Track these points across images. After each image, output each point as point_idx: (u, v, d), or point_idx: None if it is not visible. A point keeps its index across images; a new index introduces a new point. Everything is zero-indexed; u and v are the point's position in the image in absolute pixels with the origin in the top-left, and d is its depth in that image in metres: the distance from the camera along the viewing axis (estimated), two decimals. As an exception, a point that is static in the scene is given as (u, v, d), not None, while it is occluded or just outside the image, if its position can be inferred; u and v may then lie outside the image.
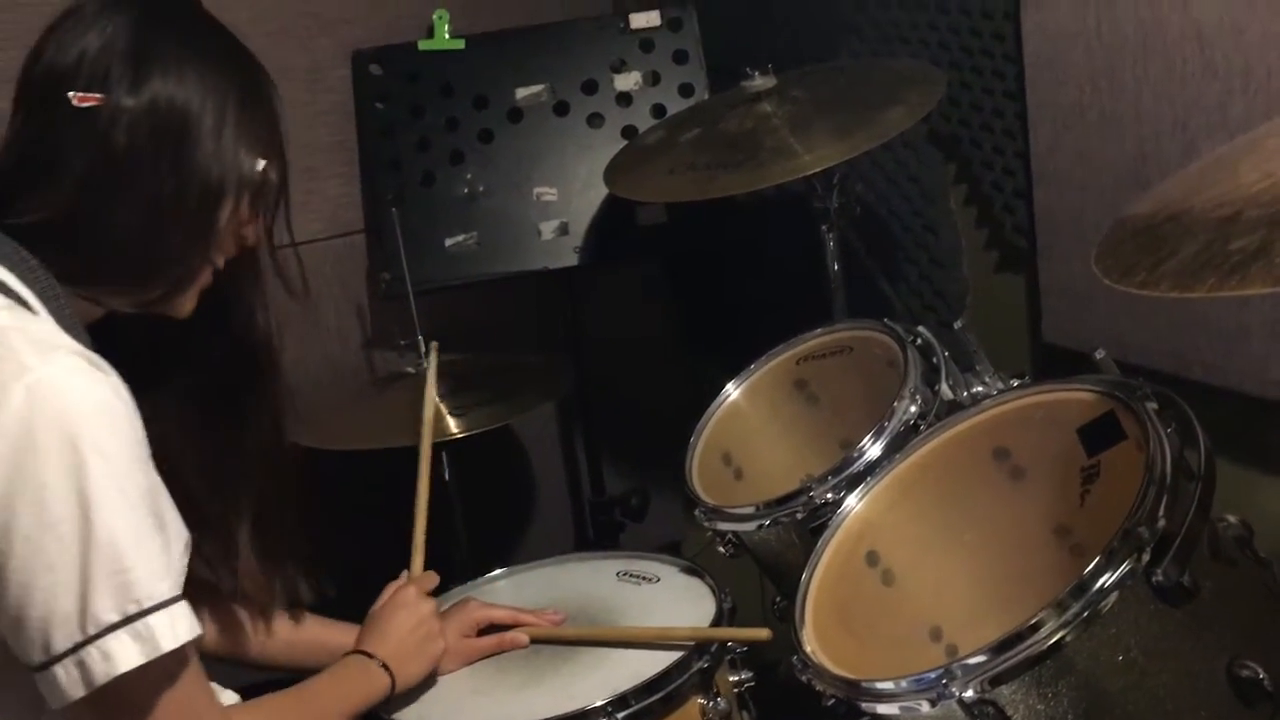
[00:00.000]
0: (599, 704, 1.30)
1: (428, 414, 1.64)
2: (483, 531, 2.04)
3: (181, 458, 1.18)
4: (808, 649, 1.18)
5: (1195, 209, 0.87)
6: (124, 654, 0.99)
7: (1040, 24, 1.80)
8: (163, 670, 1.03)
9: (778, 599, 1.61)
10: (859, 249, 2.13)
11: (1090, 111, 1.75)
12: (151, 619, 1.00)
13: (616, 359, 2.22)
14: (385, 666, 1.32)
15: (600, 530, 2.24)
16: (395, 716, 1.37)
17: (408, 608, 1.39)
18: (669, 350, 2.34)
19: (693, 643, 1.37)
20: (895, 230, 2.28)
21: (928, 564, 1.34)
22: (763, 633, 1.38)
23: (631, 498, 2.18)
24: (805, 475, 1.71)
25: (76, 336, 1.06)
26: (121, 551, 0.98)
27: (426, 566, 1.51)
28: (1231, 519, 1.13)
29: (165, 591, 1.01)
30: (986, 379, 1.48)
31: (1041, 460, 1.27)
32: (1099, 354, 1.24)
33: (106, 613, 0.98)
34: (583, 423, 2.24)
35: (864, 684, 1.10)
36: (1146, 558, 0.98)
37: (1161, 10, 1.58)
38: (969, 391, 1.46)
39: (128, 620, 0.99)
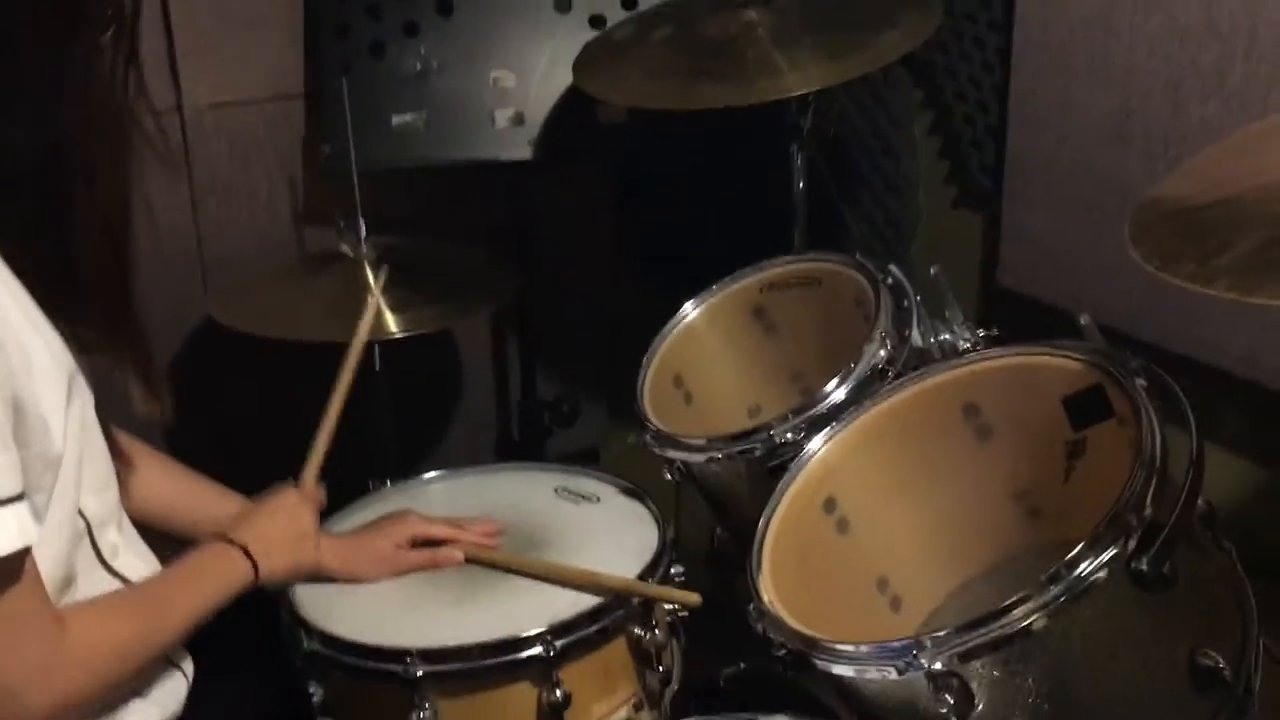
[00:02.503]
0: (538, 631, 1.26)
1: (360, 337, 1.52)
2: (405, 425, 1.97)
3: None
4: (765, 598, 1.14)
5: (1247, 198, 0.83)
6: None
7: (1039, -43, 1.74)
8: None
9: (718, 530, 1.58)
10: (822, 169, 2.07)
11: (1079, 56, 1.70)
12: None
13: (559, 260, 2.14)
14: (249, 555, 1.23)
15: (526, 434, 2.18)
16: (323, 625, 1.31)
17: (286, 509, 1.32)
18: (614, 257, 2.26)
19: (618, 594, 1.32)
20: (853, 151, 2.23)
21: (883, 514, 1.31)
22: (693, 597, 1.35)
23: (563, 404, 2.12)
24: (753, 404, 1.68)
25: None
26: None
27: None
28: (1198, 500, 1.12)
29: None
30: (955, 327, 1.44)
31: (1013, 423, 1.24)
32: (1084, 319, 1.21)
33: None
34: (518, 324, 2.16)
35: (824, 643, 1.07)
36: (1132, 545, 0.96)
37: (1171, -40, 1.52)
38: (936, 339, 1.43)
39: None
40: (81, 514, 1.04)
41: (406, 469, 1.86)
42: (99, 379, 1.06)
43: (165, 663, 1.13)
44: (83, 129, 0.94)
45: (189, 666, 1.18)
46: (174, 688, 1.14)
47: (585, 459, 2.39)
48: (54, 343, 1.00)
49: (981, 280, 2.07)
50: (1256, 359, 1.51)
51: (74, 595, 1.03)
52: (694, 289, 1.65)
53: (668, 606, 1.40)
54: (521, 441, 2.22)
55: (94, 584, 1.05)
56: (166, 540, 1.23)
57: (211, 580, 1.20)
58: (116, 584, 1.08)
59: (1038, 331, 1.41)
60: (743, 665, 1.68)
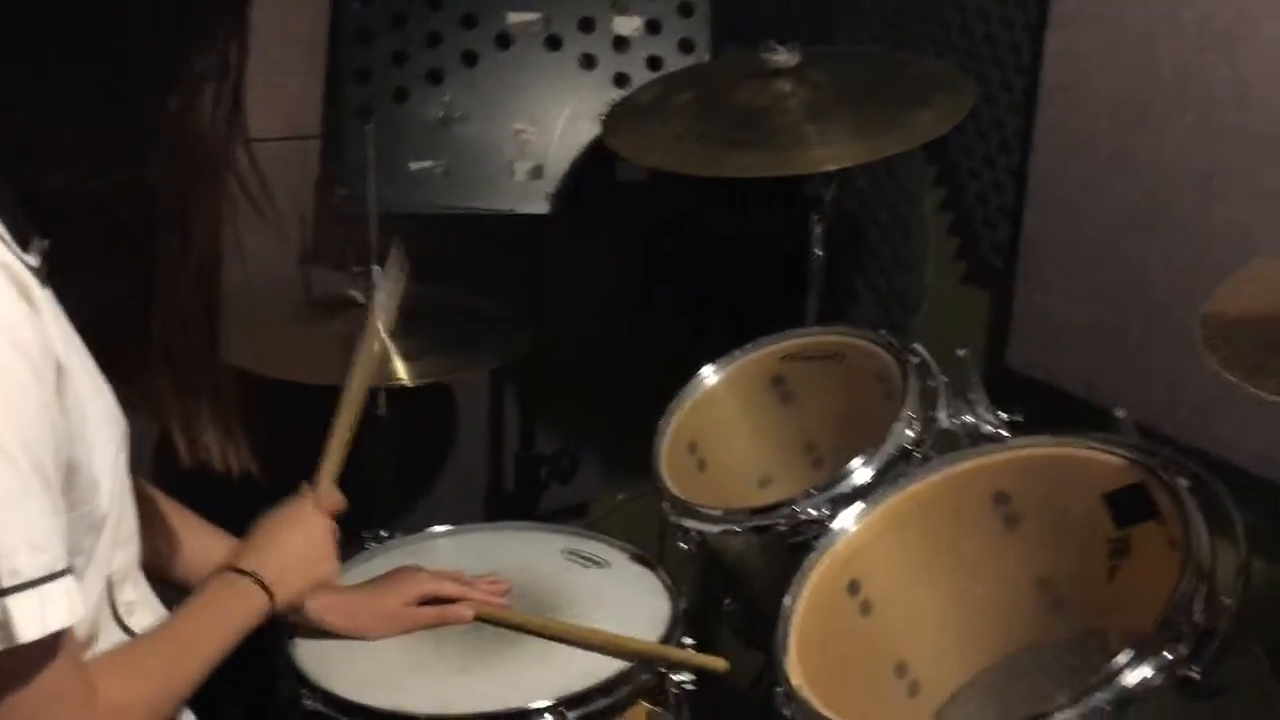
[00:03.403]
0: (549, 703, 1.23)
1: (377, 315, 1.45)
2: (398, 473, 1.93)
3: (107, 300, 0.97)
4: (794, 683, 1.12)
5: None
6: None
7: (1067, 44, 1.76)
8: (26, 658, 0.86)
9: (727, 601, 1.55)
10: (840, 241, 2.06)
11: (1104, 143, 1.71)
12: (12, 602, 0.82)
13: (564, 315, 2.12)
14: (263, 585, 1.18)
15: (522, 487, 2.15)
16: (325, 684, 1.27)
17: (299, 523, 1.25)
18: (623, 315, 2.24)
19: (644, 659, 1.30)
20: (862, 222, 2.23)
21: (905, 598, 1.29)
22: (719, 663, 1.32)
23: (562, 459, 2.09)
24: (764, 474, 1.66)
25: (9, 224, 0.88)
26: None
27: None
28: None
29: (37, 568, 0.84)
30: (979, 410, 1.43)
31: (1045, 514, 1.23)
32: (1120, 413, 1.20)
33: None
34: (517, 375, 2.14)
35: (857, 734, 1.04)
36: (1184, 651, 0.94)
37: (1208, 59, 1.54)
38: (960, 421, 1.42)
39: None
40: None
41: (398, 518, 1.83)
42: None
43: None
44: (180, 179, 0.92)
45: None
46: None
47: (574, 515, 2.36)
48: (109, 400, 0.97)
49: (987, 359, 2.07)
50: (1273, 457, 1.50)
51: (91, 653, 0.99)
52: (701, 351, 1.64)
53: (677, 678, 1.37)
54: (515, 495, 2.18)
55: (109, 642, 1.01)
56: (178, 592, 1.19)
57: (228, 618, 1.14)
58: None
59: (1045, 413, 1.41)
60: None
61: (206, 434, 1.02)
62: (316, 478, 1.33)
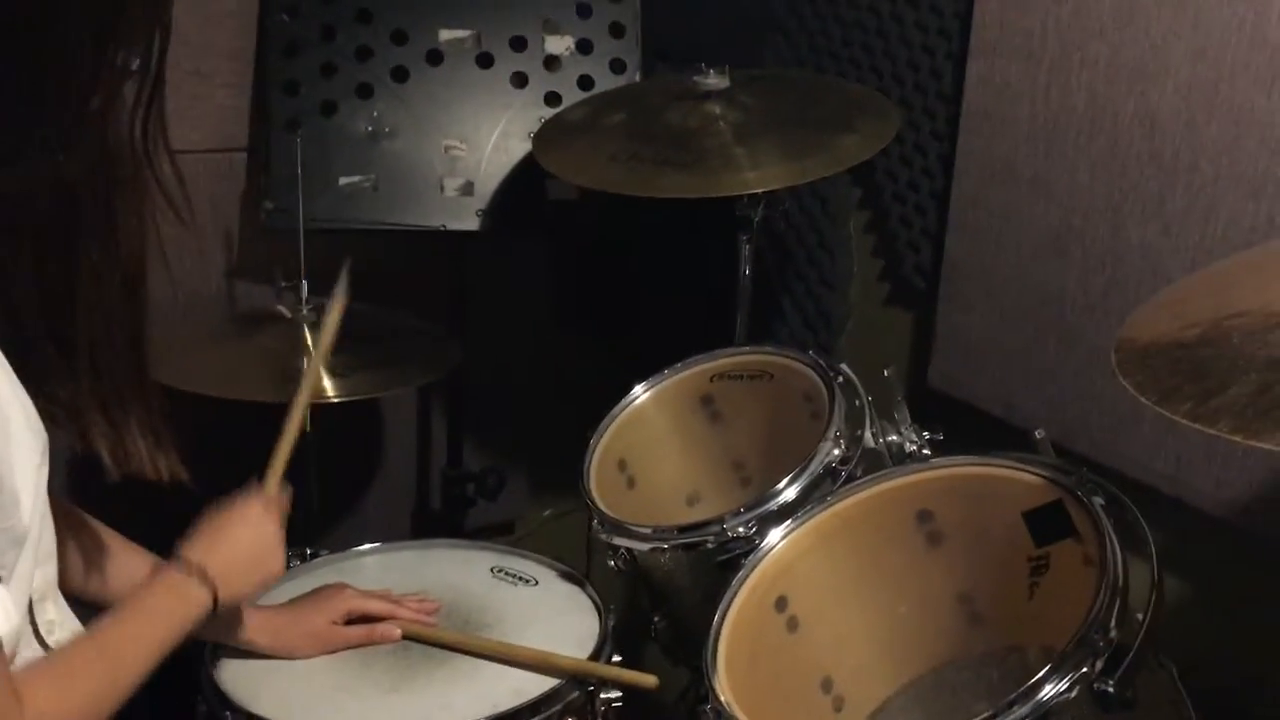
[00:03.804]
0: (481, 721, 1.23)
1: (332, 320, 1.44)
2: (324, 489, 1.91)
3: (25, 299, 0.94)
4: (722, 699, 1.13)
5: (1236, 341, 0.86)
6: None
7: (986, 74, 1.80)
8: None
9: (656, 619, 1.56)
10: (768, 261, 2.09)
11: (1023, 170, 1.76)
12: None
13: (496, 331, 2.12)
14: (206, 579, 1.14)
15: (449, 504, 2.14)
16: (250, 707, 1.26)
17: (248, 523, 1.21)
18: (552, 332, 2.25)
19: (573, 676, 1.31)
20: (789, 242, 2.26)
21: (831, 615, 1.32)
22: (649, 679, 1.32)
23: (489, 476, 2.09)
24: (692, 492, 1.68)
25: None
26: None
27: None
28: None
29: None
30: (902, 429, 1.46)
31: (967, 532, 1.26)
32: (1038, 434, 1.23)
33: None
34: (445, 391, 2.13)
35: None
36: (1099, 666, 0.97)
37: (1117, 90, 1.59)
38: (885, 439, 1.45)
39: None
40: None
41: (324, 536, 1.81)
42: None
43: None
44: (102, 180, 0.90)
45: None
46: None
47: (501, 532, 2.36)
48: (30, 413, 0.95)
49: (910, 379, 2.11)
50: (1182, 477, 1.56)
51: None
52: (631, 369, 1.65)
53: (606, 695, 1.38)
54: (442, 512, 2.17)
55: (28, 662, 0.99)
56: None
57: (166, 621, 1.11)
58: None
59: (964, 432, 1.44)
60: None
61: (134, 443, 1.00)
62: (265, 478, 1.29)
